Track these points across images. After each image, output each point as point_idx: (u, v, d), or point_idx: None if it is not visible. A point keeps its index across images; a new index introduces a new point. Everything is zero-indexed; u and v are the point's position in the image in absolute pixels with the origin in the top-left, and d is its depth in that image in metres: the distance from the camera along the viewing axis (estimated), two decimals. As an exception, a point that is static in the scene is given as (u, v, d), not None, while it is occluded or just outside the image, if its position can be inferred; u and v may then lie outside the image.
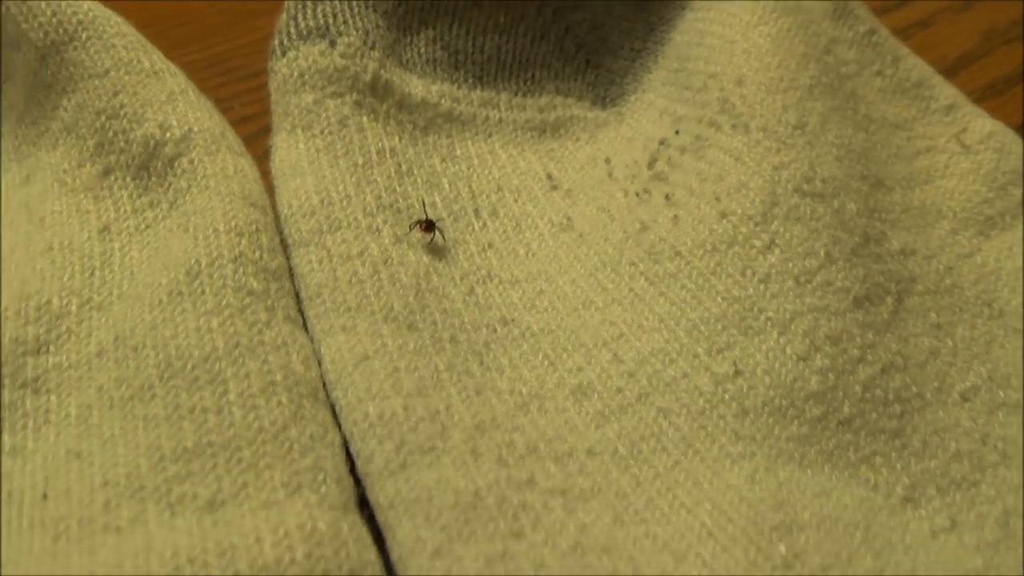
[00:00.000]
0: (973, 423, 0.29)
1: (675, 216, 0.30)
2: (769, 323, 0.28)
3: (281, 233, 0.30)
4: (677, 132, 0.33)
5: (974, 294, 0.32)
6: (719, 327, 0.28)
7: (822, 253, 0.29)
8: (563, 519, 0.24)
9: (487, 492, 0.24)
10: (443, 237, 0.30)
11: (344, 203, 0.30)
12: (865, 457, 0.27)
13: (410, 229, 0.30)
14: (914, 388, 0.28)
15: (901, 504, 0.26)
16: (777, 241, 0.29)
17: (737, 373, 0.27)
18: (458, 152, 0.34)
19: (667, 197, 0.31)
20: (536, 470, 0.25)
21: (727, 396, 0.27)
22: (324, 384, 0.27)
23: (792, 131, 0.31)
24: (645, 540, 0.24)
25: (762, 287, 0.28)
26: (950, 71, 0.46)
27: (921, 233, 0.33)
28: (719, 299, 0.28)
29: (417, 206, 0.31)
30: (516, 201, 0.33)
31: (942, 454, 0.28)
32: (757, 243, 0.29)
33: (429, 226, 0.30)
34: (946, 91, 0.38)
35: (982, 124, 0.37)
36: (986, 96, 0.46)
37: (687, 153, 0.32)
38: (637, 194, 0.32)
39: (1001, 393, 0.30)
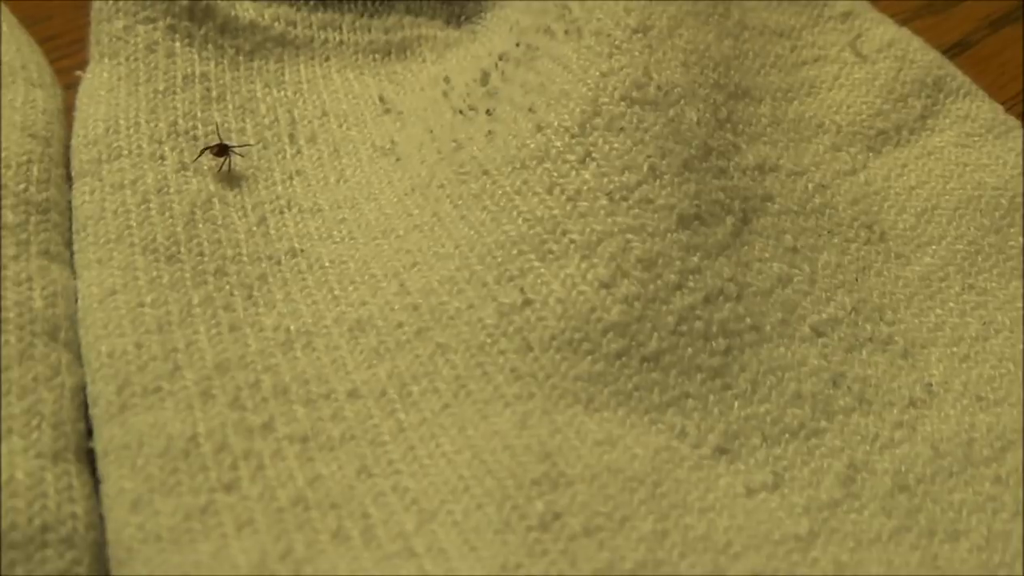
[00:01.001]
0: (824, 361, 0.23)
1: (490, 132, 0.25)
2: (572, 246, 0.22)
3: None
4: (517, 44, 0.27)
5: (850, 215, 0.26)
6: (515, 252, 0.22)
7: (645, 167, 0.23)
8: (293, 469, 0.19)
9: (206, 438, 0.19)
10: (230, 163, 0.25)
11: (130, 131, 0.25)
12: (674, 399, 0.21)
13: (200, 154, 0.25)
14: (748, 320, 0.22)
15: (713, 456, 0.20)
16: (593, 154, 0.23)
17: (526, 303, 0.21)
18: (286, 77, 0.29)
19: (488, 112, 0.26)
20: (278, 414, 0.20)
21: (511, 329, 0.21)
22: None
23: (631, 34, 0.25)
24: (391, 495, 0.19)
25: (570, 206, 0.23)
26: (884, -11, 0.40)
27: (791, 148, 0.27)
28: (520, 221, 0.23)
29: (221, 133, 0.26)
30: (340, 126, 0.28)
31: (776, 397, 0.22)
32: (571, 157, 0.23)
33: (221, 151, 0.25)
34: (845, -3, 0.32)
35: (883, 31, 0.31)
36: (922, 14, 0.39)
37: (521, 66, 0.27)
38: (462, 111, 0.26)
39: (868, 327, 0.24)
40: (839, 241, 0.25)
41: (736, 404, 0.21)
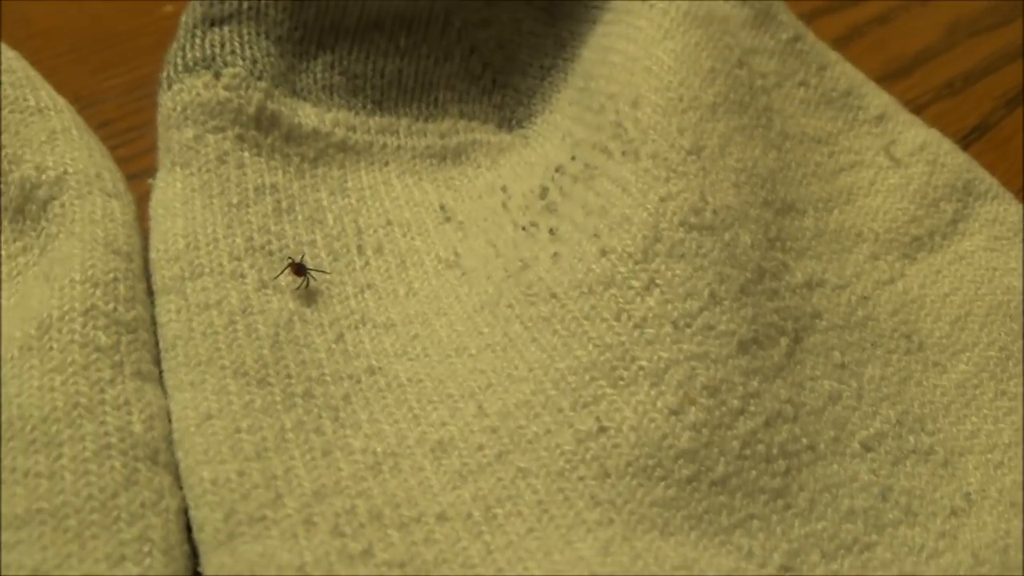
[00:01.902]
0: (873, 476, 0.25)
1: (556, 253, 0.27)
2: (641, 373, 0.24)
3: (150, 279, 0.28)
4: (573, 158, 0.30)
5: (891, 326, 0.28)
6: (587, 378, 0.24)
7: (706, 293, 0.25)
8: (395, 597, 0.22)
9: (314, 567, 0.22)
10: (308, 282, 0.27)
11: (210, 247, 0.27)
12: (740, 521, 0.23)
13: (280, 273, 0.27)
14: (804, 440, 0.25)
15: (777, 574, 0.23)
16: (657, 281, 0.25)
17: (601, 430, 0.24)
18: (349, 184, 0.31)
19: (552, 232, 0.28)
20: (375, 540, 0.22)
21: (588, 456, 0.23)
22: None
23: (685, 157, 0.28)
24: (486, 619, 0.21)
25: (637, 333, 0.25)
26: (906, 70, 0.42)
27: (834, 260, 0.29)
28: (590, 347, 0.25)
29: (293, 246, 0.28)
30: (405, 236, 0.30)
31: (832, 514, 0.24)
32: (636, 284, 0.26)
33: (299, 270, 0.27)
34: (877, 100, 0.34)
35: (915, 134, 0.33)
36: (942, 96, 0.41)
37: (579, 182, 0.29)
38: (525, 228, 0.29)
39: (911, 439, 0.26)
40: (882, 353, 0.28)
41: (796, 523, 0.24)
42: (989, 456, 0.26)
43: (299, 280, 0.27)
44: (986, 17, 0.46)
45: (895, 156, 0.32)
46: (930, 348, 0.28)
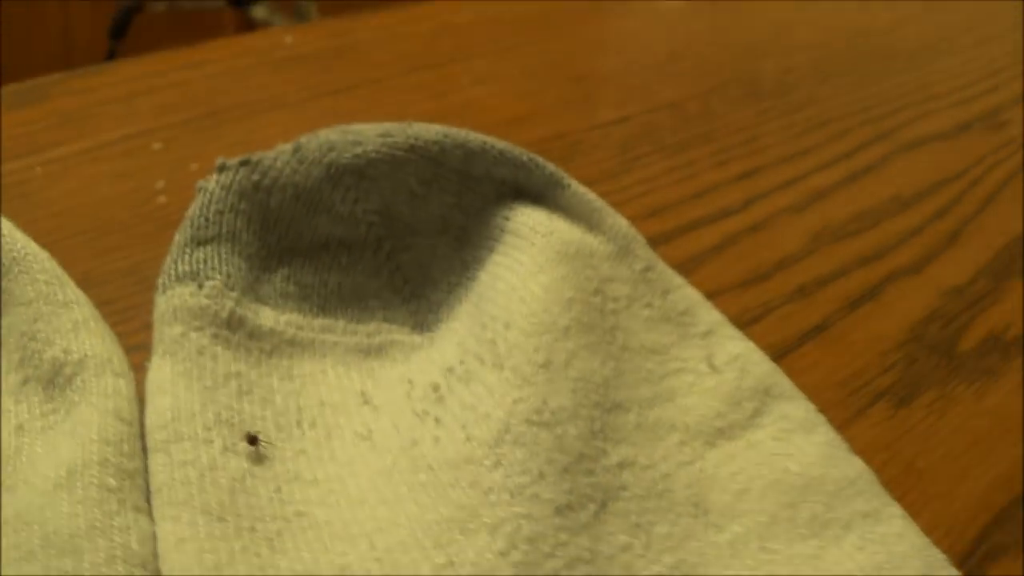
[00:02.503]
0: (647, 606, 0.43)
1: (437, 437, 0.46)
2: (483, 526, 0.43)
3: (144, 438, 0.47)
4: (461, 362, 0.49)
5: (684, 496, 0.47)
6: (446, 527, 0.43)
7: (536, 472, 0.44)
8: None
9: (247, 648, 0.40)
10: (258, 449, 0.46)
11: (189, 420, 0.46)
12: (542, 632, 0.42)
13: (238, 441, 0.46)
14: (596, 577, 0.43)
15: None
16: (503, 461, 0.44)
17: (450, 563, 0.42)
18: (294, 372, 0.50)
19: (437, 420, 0.47)
20: (291, 632, 0.41)
21: (439, 580, 0.42)
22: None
23: (537, 370, 0.47)
24: None
25: (483, 498, 0.43)
26: (766, 275, 0.61)
27: (647, 447, 0.48)
28: (451, 506, 0.43)
29: (249, 420, 0.47)
30: (333, 414, 0.49)
31: (611, 632, 0.42)
32: (487, 462, 0.44)
33: (252, 440, 0.46)
34: (708, 317, 0.53)
35: (733, 347, 0.52)
36: (793, 299, 0.60)
37: (461, 382, 0.48)
38: (419, 414, 0.47)
39: (683, 582, 0.44)
40: (672, 516, 0.46)
41: (582, 636, 0.42)
42: (744, 599, 0.44)
43: (251, 447, 0.46)
44: (852, 223, 0.65)
45: (713, 364, 0.51)
46: (713, 513, 0.46)
